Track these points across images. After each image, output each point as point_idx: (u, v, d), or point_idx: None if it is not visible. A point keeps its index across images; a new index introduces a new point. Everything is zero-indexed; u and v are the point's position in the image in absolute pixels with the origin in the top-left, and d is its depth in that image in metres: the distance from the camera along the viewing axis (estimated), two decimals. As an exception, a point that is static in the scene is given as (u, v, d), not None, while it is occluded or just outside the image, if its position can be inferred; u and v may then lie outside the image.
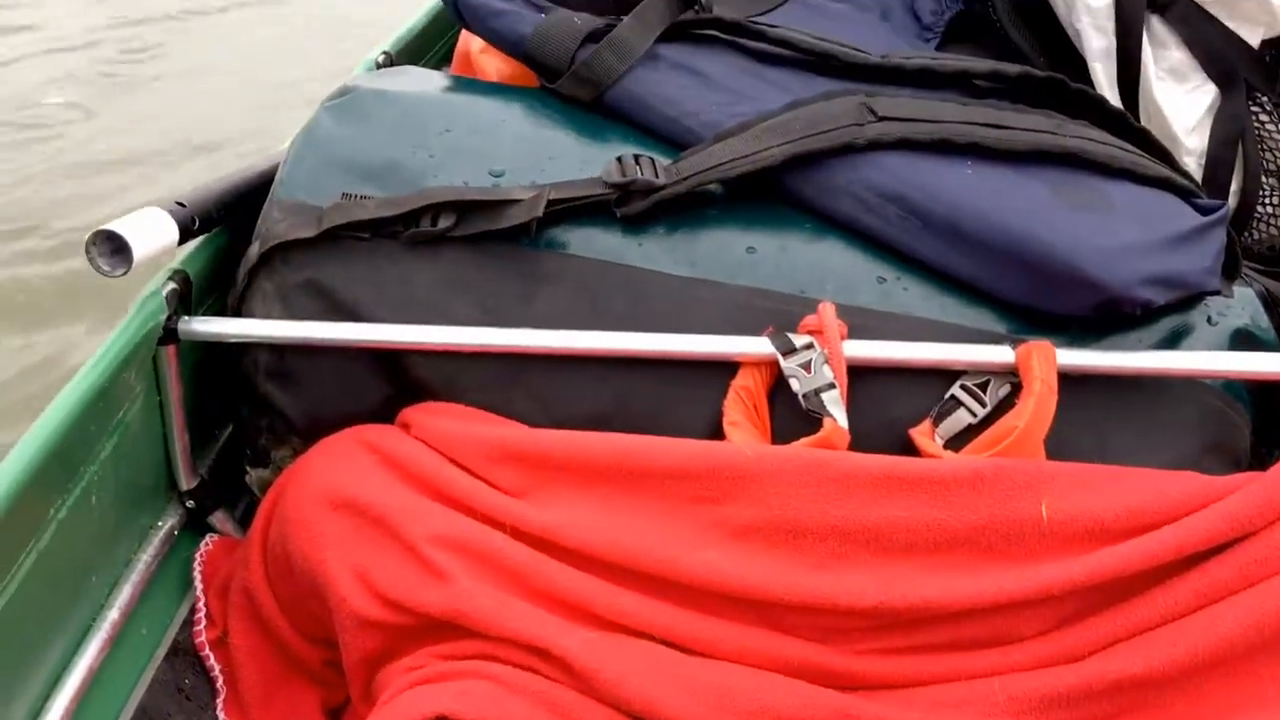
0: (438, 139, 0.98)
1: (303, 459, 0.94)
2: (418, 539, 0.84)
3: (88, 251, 0.85)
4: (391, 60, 1.48)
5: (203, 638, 0.95)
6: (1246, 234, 1.15)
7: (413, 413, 0.93)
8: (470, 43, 1.26)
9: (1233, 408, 0.91)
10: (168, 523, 0.98)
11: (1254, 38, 1.09)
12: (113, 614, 0.88)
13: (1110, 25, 1.09)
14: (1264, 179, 1.13)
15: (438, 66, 1.63)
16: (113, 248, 0.85)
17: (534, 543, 0.84)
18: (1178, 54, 1.10)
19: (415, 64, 1.56)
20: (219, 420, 1.07)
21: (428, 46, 1.64)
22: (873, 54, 1.04)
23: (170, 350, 0.93)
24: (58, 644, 0.83)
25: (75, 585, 0.85)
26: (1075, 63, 1.16)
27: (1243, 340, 0.93)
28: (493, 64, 1.23)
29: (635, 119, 1.02)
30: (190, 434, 0.98)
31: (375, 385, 0.95)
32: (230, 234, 1.02)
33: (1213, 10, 1.08)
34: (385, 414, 0.95)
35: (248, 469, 1.01)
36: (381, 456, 0.90)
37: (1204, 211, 0.92)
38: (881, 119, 0.95)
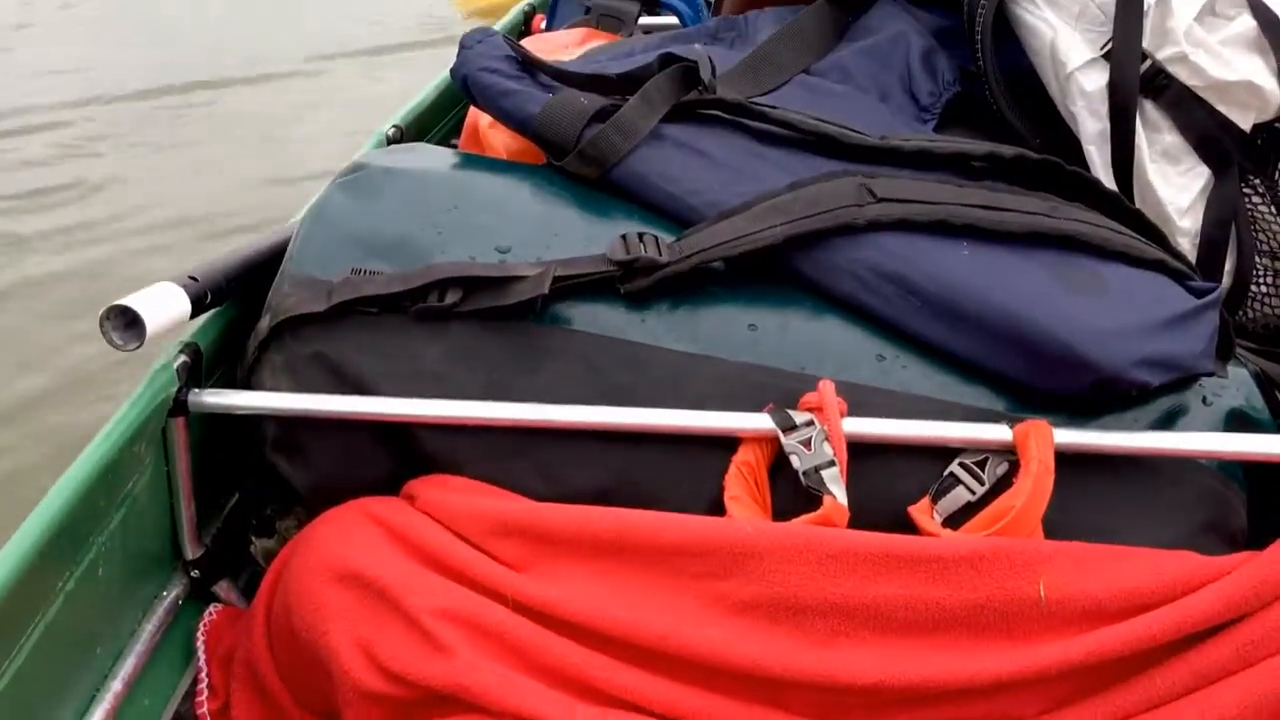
0: (446, 215, 1.00)
1: (307, 530, 0.95)
2: (420, 612, 0.84)
3: (101, 326, 0.87)
4: (402, 133, 1.51)
5: (204, 709, 0.95)
6: (1242, 313, 1.17)
7: (417, 485, 0.94)
8: (479, 117, 1.28)
9: (1229, 488, 0.92)
10: (172, 592, 0.99)
11: (1245, 122, 1.11)
12: (116, 684, 0.89)
13: (1104, 109, 1.12)
14: (1258, 259, 1.15)
15: (447, 138, 1.67)
16: (126, 321, 0.87)
17: (536, 617, 0.85)
18: (1170, 138, 1.12)
19: (425, 136, 1.60)
20: (224, 489, 1.08)
21: (438, 119, 1.67)
22: (871, 135, 1.06)
23: (180, 422, 0.94)
24: (62, 716, 0.83)
25: (80, 656, 0.86)
26: (1071, 143, 1.18)
27: (1238, 421, 0.94)
28: (501, 138, 1.26)
29: (640, 196, 1.04)
30: (196, 503, 0.99)
31: (380, 457, 0.96)
32: (241, 307, 1.03)
33: (1204, 95, 1.10)
34: (390, 485, 0.96)
35: (252, 539, 1.02)
36: (385, 529, 0.91)
37: (1197, 294, 0.94)
38: (880, 200, 0.97)
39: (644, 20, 1.79)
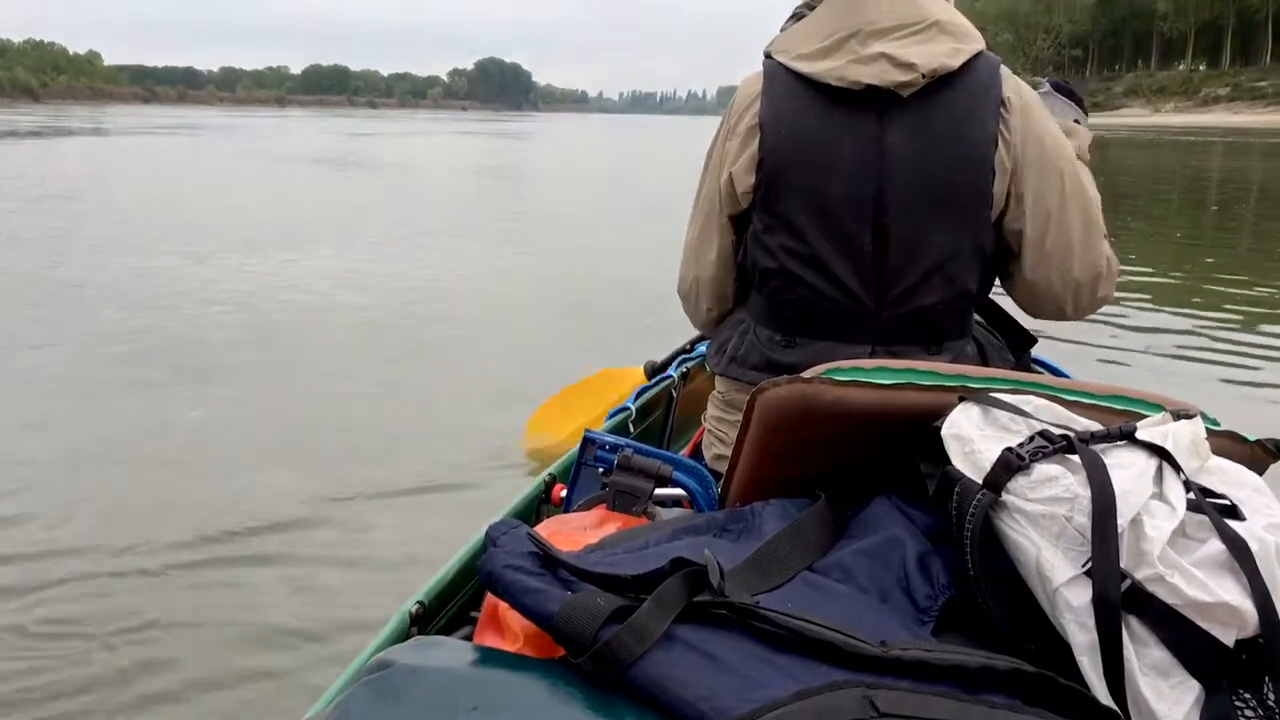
0: (465, 718, 1.04)
1: None
2: None
3: None
4: (424, 608, 1.58)
5: None
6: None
7: None
8: (500, 600, 1.35)
9: None
10: None
11: (1227, 638, 1.16)
12: None
13: (1092, 623, 1.17)
14: (1260, 769, 1.16)
15: (466, 610, 1.74)
16: None
17: None
18: (1158, 652, 1.16)
19: (446, 607, 1.66)
20: None
21: (458, 590, 1.75)
22: (873, 642, 1.12)
23: None
24: None
25: None
26: (1065, 648, 1.22)
27: None
28: (519, 620, 1.31)
29: (651, 696, 1.08)
30: None
31: None
32: None
33: (1185, 613, 1.16)
34: None
35: None
36: None
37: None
38: (883, 715, 1.01)
39: (658, 492, 1.91)
